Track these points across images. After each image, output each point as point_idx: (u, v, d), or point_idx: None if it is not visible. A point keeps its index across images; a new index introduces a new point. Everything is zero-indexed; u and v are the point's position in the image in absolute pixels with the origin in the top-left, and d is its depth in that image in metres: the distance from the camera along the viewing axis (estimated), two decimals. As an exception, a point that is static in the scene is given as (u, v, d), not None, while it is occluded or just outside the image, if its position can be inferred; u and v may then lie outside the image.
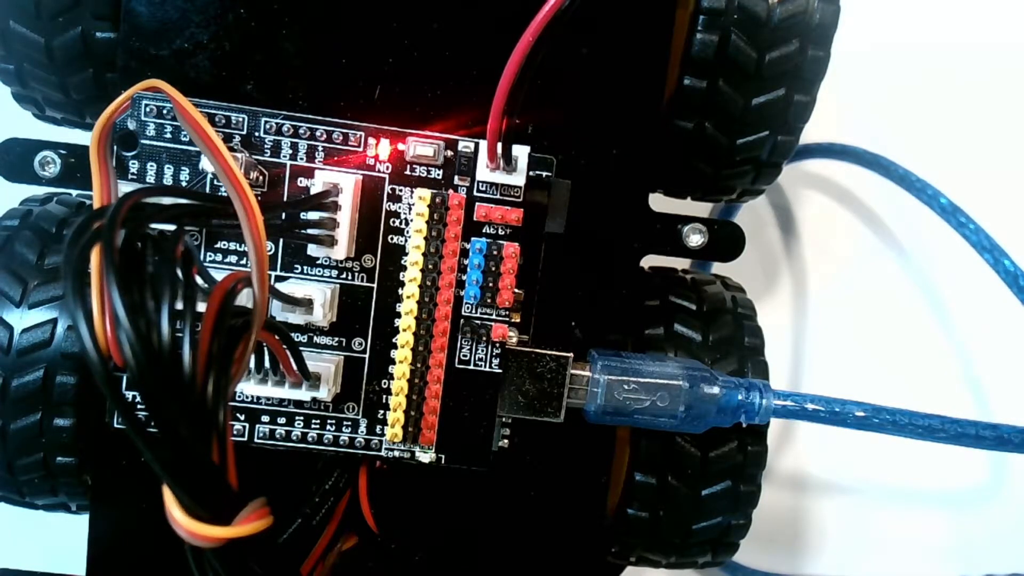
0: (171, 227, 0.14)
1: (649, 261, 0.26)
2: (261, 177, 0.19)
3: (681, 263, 0.27)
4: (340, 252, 0.18)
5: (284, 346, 0.16)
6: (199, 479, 0.13)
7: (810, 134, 0.35)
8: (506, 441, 0.22)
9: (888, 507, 0.39)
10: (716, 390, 0.21)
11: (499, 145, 0.17)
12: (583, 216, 0.21)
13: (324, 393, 0.18)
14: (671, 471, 0.23)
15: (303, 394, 0.18)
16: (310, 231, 0.18)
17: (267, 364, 0.18)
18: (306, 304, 0.18)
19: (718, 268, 0.36)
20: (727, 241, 0.23)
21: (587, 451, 0.23)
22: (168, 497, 0.13)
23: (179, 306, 0.13)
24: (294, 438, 0.20)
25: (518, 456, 0.22)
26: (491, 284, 0.19)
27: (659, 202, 0.26)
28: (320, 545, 0.21)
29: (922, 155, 0.33)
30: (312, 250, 0.19)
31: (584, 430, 0.22)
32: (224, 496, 0.13)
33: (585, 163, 0.21)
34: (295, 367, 0.17)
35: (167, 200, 0.15)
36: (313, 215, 0.18)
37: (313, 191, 0.18)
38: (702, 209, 0.25)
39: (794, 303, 0.38)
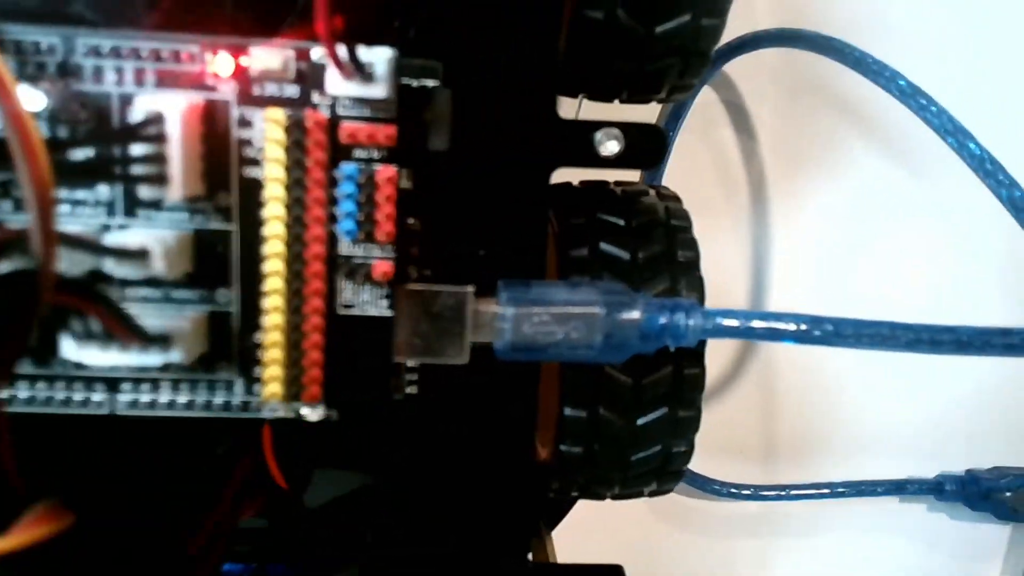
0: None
1: (580, 176, 0.23)
2: (84, 111, 0.16)
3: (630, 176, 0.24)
4: (176, 191, 0.16)
5: (99, 307, 0.14)
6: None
7: (760, 21, 0.32)
8: (414, 387, 0.20)
9: (864, 407, 0.37)
10: (636, 314, 0.19)
11: (339, 49, 0.15)
12: (477, 130, 0.18)
13: (179, 356, 0.16)
14: (602, 402, 0.21)
15: (154, 359, 0.16)
16: (134, 169, 0.15)
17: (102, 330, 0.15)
18: (141, 256, 0.15)
19: (669, 178, 0.33)
20: (647, 146, 0.20)
21: (509, 388, 0.21)
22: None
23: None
24: (161, 405, 0.18)
25: (429, 401, 0.20)
26: (368, 216, 0.17)
27: (587, 110, 0.23)
28: (214, 517, 0.19)
29: (878, 36, 0.30)
30: (143, 192, 0.16)
31: (506, 366, 0.20)
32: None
33: (477, 67, 0.18)
34: (125, 329, 0.15)
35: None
36: (138, 149, 0.15)
37: (133, 122, 0.15)
38: (640, 114, 0.23)
39: (753, 209, 0.35)
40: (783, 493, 0.37)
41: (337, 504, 0.23)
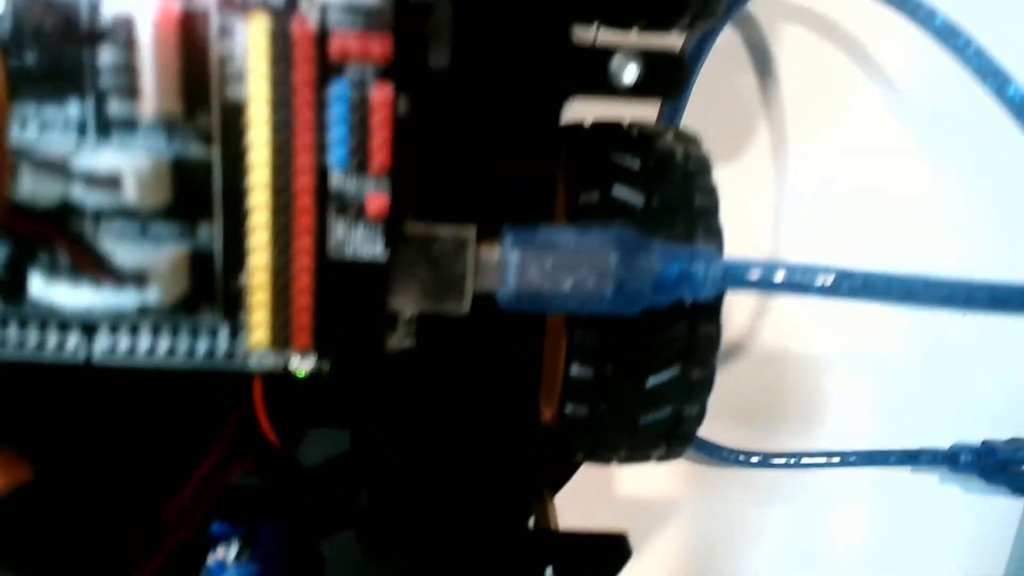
0: None
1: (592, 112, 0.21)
2: (52, 17, 0.14)
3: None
4: (148, 106, 0.14)
5: (64, 236, 0.13)
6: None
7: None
8: (411, 340, 0.18)
9: (879, 375, 0.36)
10: (651, 261, 0.17)
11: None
12: (483, 48, 0.17)
13: (157, 295, 0.15)
14: (611, 360, 0.20)
15: (130, 298, 0.15)
16: (103, 81, 0.14)
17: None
18: (113, 183, 0.14)
19: (686, 126, 0.32)
20: (667, 75, 0.19)
21: (513, 342, 0.20)
22: None
23: None
24: (140, 352, 0.16)
25: (427, 355, 0.19)
26: (361, 143, 0.15)
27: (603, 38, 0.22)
28: (200, 474, 0.18)
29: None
30: (115, 107, 0.14)
31: (509, 318, 0.18)
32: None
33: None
34: (93, 263, 0.13)
35: None
36: (106, 57, 0.14)
37: (100, 26, 0.14)
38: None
39: (774, 158, 0.33)
40: (793, 461, 0.36)
41: (331, 463, 0.22)
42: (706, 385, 0.21)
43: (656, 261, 0.17)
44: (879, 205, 0.33)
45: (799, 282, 0.18)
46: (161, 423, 0.20)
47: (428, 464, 0.21)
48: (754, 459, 0.36)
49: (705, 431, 0.35)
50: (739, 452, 0.36)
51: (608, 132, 0.22)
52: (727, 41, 0.31)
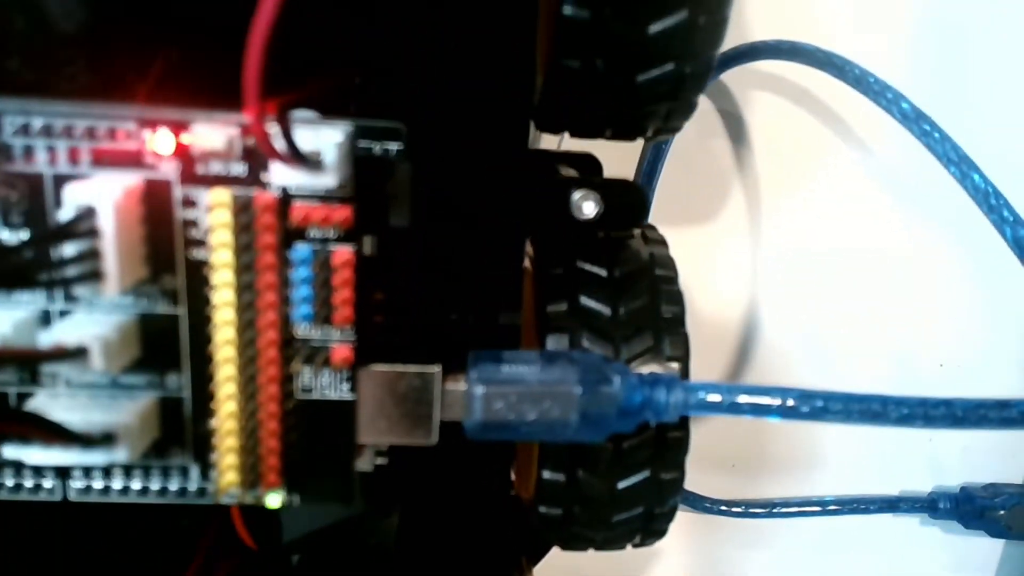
0: None
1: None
2: (16, 194, 0.15)
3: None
4: (112, 287, 0.14)
5: (29, 427, 0.13)
6: None
7: (756, 32, 0.30)
8: (381, 459, 0.19)
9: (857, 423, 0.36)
10: (615, 391, 0.18)
11: (273, 136, 0.13)
12: (443, 200, 0.17)
13: (124, 455, 0.15)
14: (581, 466, 0.20)
15: (99, 458, 0.15)
16: (66, 272, 0.14)
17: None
18: (80, 354, 0.14)
19: (662, 190, 0.32)
20: (628, 206, 0.19)
21: (483, 456, 0.20)
22: None
23: None
24: (115, 492, 0.17)
25: (400, 472, 0.19)
26: (325, 300, 0.16)
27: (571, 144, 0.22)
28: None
29: (881, 55, 0.29)
30: (78, 291, 0.15)
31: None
32: None
33: (443, 129, 0.17)
34: (62, 439, 0.14)
35: None
36: (69, 249, 0.14)
37: (62, 218, 0.14)
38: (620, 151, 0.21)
39: (750, 220, 0.34)
40: (774, 511, 0.36)
41: (316, 556, 0.22)
42: (676, 485, 0.21)
43: (619, 391, 0.18)
44: (855, 265, 0.33)
45: (760, 404, 0.18)
46: (138, 540, 0.20)
47: (410, 548, 0.21)
48: (735, 509, 0.36)
49: (690, 480, 0.36)
50: (721, 502, 0.36)
51: (576, 237, 0.22)
52: (701, 107, 0.32)
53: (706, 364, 0.34)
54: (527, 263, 0.22)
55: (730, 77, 0.31)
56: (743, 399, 0.18)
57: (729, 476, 0.37)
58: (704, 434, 0.36)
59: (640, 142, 0.32)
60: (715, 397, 0.18)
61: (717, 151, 0.32)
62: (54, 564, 0.20)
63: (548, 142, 0.25)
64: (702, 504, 0.36)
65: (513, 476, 0.24)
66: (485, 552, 0.22)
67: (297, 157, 0.13)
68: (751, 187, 0.32)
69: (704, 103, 0.32)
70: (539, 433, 0.18)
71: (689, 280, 0.22)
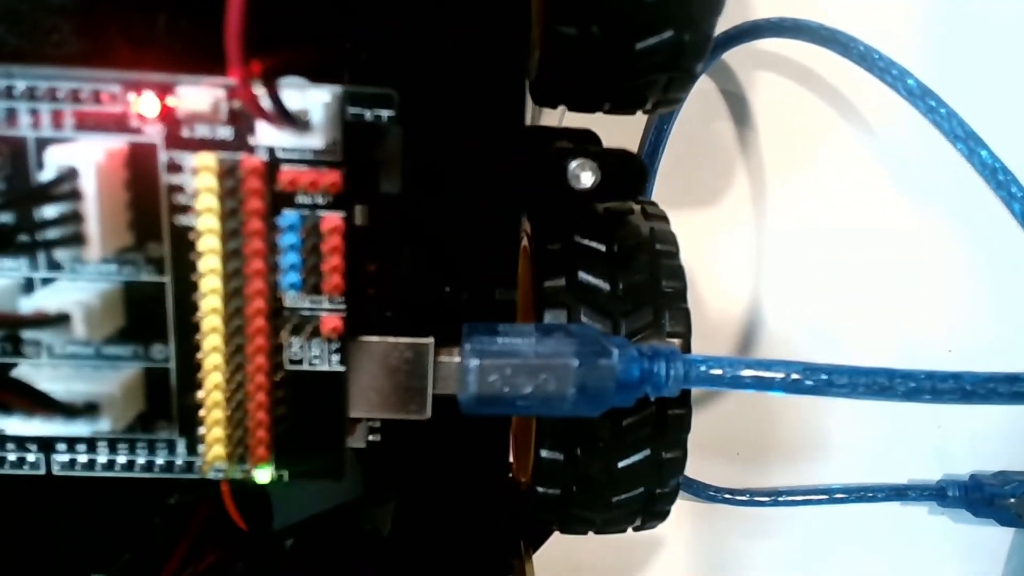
0: None
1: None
2: (-2, 154, 0.14)
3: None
4: (95, 252, 0.14)
5: (9, 394, 0.13)
6: None
7: (758, 10, 0.30)
8: (375, 436, 0.18)
9: (862, 411, 0.36)
10: (613, 364, 0.17)
11: (259, 96, 0.13)
12: (436, 167, 0.17)
13: (108, 424, 0.15)
14: (580, 444, 0.20)
15: (82, 428, 0.15)
16: (47, 235, 0.14)
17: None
18: (62, 321, 0.14)
19: (664, 173, 0.32)
20: (627, 175, 0.18)
21: (479, 432, 0.20)
22: None
23: None
24: (99, 465, 0.16)
25: (393, 448, 0.19)
26: (314, 267, 0.15)
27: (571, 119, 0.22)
28: (167, 572, 0.18)
29: (886, 30, 0.28)
30: (59, 255, 0.14)
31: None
32: None
33: (436, 95, 0.16)
34: (44, 409, 0.13)
35: None
36: (51, 211, 0.14)
37: (43, 179, 0.14)
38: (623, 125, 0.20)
39: (753, 202, 0.33)
40: (779, 499, 0.36)
41: (310, 541, 0.22)
42: (677, 465, 0.21)
43: (618, 363, 0.17)
44: (860, 248, 0.32)
45: (763, 378, 0.18)
46: (127, 520, 0.20)
47: (406, 533, 0.21)
48: (740, 497, 0.36)
49: (693, 468, 0.35)
50: (725, 490, 0.36)
51: (574, 211, 0.21)
52: (703, 88, 0.31)
53: (708, 349, 0.34)
54: (524, 238, 0.22)
55: (732, 56, 0.31)
56: (746, 372, 0.18)
57: (734, 464, 0.36)
58: (708, 421, 0.36)
59: (642, 123, 0.31)
60: (716, 370, 0.18)
61: (720, 132, 0.32)
62: (39, 544, 0.20)
63: (549, 122, 0.25)
64: (706, 492, 0.36)
65: (512, 461, 0.24)
66: (483, 537, 0.22)
67: (284, 116, 0.13)
68: (754, 169, 0.32)
69: (706, 83, 0.32)
70: (535, 407, 0.17)
71: (691, 263, 0.22)
